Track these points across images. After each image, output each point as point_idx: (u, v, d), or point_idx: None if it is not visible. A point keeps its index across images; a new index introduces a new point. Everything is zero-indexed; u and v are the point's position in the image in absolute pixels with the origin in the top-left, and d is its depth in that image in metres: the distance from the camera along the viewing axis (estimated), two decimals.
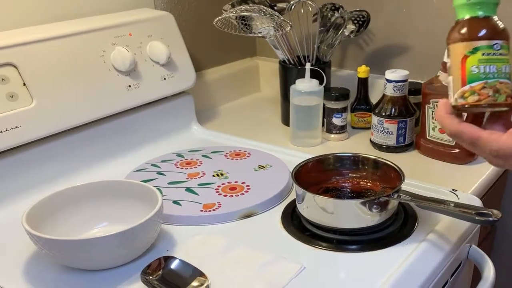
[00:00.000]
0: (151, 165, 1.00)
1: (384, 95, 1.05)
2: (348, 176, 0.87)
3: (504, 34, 0.57)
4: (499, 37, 0.57)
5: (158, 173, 0.96)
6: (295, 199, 0.83)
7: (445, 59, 0.59)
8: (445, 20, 1.14)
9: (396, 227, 0.79)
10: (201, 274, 0.67)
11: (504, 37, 0.57)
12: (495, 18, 0.58)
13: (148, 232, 0.72)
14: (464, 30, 0.57)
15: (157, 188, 0.78)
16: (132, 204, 0.79)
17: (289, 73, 1.18)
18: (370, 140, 1.10)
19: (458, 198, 0.85)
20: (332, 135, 1.14)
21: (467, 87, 0.56)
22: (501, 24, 0.58)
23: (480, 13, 0.57)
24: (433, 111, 1.00)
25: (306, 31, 1.16)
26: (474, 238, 0.85)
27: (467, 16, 0.58)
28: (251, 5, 1.09)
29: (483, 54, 0.56)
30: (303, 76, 1.08)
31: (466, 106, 0.57)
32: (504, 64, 0.57)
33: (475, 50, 0.56)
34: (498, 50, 0.56)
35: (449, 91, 0.60)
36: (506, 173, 1.09)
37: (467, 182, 0.92)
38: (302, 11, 1.16)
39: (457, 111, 0.59)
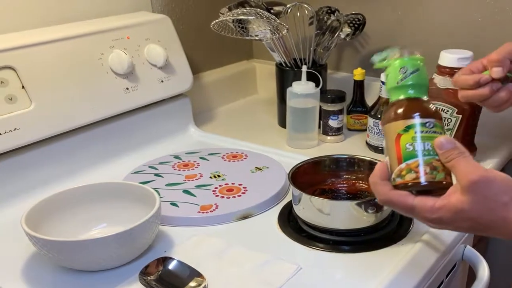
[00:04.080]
0: (149, 167, 1.00)
1: (380, 97, 1.06)
2: (344, 178, 0.88)
3: (436, 114, 0.57)
4: (431, 116, 0.57)
5: (156, 175, 0.97)
6: (291, 200, 0.84)
7: (384, 142, 0.59)
8: (440, 23, 1.15)
9: (392, 228, 0.80)
10: (199, 274, 0.68)
11: (436, 117, 0.57)
12: (426, 98, 0.58)
13: (146, 233, 0.72)
14: (397, 110, 0.57)
15: (155, 190, 0.78)
16: (130, 205, 0.80)
17: (285, 76, 1.19)
18: (366, 142, 1.10)
19: None
20: (328, 137, 1.14)
21: (403, 165, 0.55)
22: (432, 106, 0.58)
23: (412, 94, 0.58)
24: None
25: (303, 34, 1.17)
26: (469, 239, 0.85)
27: (400, 97, 0.58)
28: (248, 8, 1.10)
29: (415, 132, 0.55)
30: (299, 79, 1.09)
31: (405, 184, 0.55)
32: None
33: (407, 128, 0.56)
34: (431, 128, 0.56)
35: (389, 171, 0.58)
36: None
37: None
38: (298, 14, 1.16)
39: (399, 190, 0.57)
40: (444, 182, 0.55)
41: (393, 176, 0.56)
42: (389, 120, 0.58)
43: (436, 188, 0.54)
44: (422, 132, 0.55)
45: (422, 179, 0.54)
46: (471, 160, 0.54)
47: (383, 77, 1.04)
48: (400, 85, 0.58)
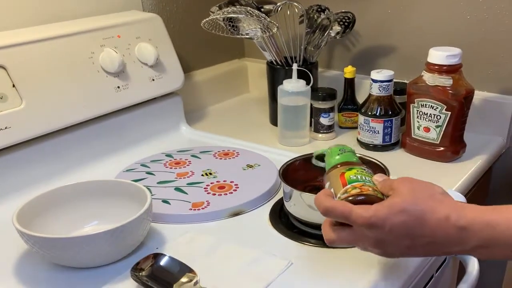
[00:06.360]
0: (141, 165, 1.01)
1: (370, 95, 1.07)
2: None
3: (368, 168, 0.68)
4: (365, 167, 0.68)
5: (148, 173, 0.97)
6: (282, 197, 0.85)
7: (326, 186, 0.68)
8: (429, 22, 1.16)
9: None
10: (190, 270, 0.68)
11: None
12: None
13: (137, 230, 0.73)
14: (339, 165, 0.67)
15: (147, 188, 0.79)
16: (122, 203, 0.80)
17: (276, 74, 1.19)
18: (357, 139, 1.11)
19: None
20: (320, 135, 1.15)
21: (348, 186, 0.62)
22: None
23: (349, 159, 0.68)
24: (418, 110, 1.01)
25: (293, 33, 1.17)
26: None
27: (340, 160, 0.68)
28: (238, 7, 1.11)
29: (357, 170, 0.65)
30: (290, 77, 1.10)
31: (347, 197, 0.61)
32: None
33: (351, 168, 0.65)
34: (368, 172, 0.66)
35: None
36: (490, 171, 1.11)
37: (452, 180, 0.94)
38: (288, 12, 1.17)
39: None
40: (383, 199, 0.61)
41: (338, 195, 0.63)
42: (334, 168, 0.67)
43: (374, 202, 0.60)
44: (362, 171, 0.65)
45: (366, 192, 0.61)
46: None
47: (373, 74, 1.05)
48: (339, 155, 0.69)
